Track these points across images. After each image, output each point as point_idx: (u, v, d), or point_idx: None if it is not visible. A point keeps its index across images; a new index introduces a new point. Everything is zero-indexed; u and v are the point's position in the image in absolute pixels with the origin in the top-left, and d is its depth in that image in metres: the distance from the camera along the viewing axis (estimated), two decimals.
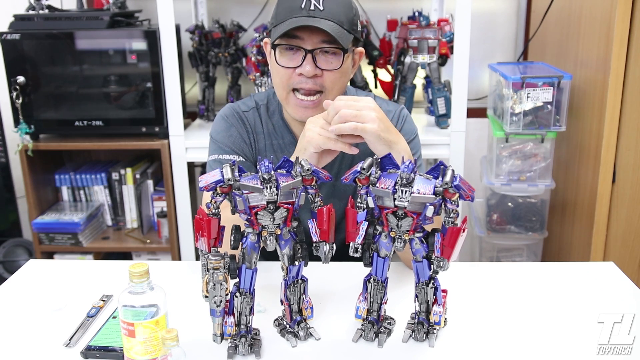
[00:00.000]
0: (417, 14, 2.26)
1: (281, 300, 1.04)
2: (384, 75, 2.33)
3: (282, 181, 0.93)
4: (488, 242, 2.28)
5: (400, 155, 1.11)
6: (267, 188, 0.92)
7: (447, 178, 0.91)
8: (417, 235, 0.96)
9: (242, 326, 0.99)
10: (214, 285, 0.93)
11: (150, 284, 0.91)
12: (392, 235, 0.96)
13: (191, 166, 2.28)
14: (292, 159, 1.12)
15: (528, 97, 1.98)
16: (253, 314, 1.00)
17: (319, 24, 1.19)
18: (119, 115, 2.20)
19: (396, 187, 0.92)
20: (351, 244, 0.98)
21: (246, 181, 0.93)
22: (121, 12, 2.21)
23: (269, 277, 1.15)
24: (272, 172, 0.93)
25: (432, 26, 2.11)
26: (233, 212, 0.96)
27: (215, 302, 0.94)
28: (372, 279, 1.01)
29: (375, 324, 1.03)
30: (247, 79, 2.22)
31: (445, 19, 2.20)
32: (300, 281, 1.03)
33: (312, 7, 1.20)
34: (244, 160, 1.36)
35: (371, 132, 1.13)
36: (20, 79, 2.11)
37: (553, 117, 2.00)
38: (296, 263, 1.00)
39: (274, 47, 1.26)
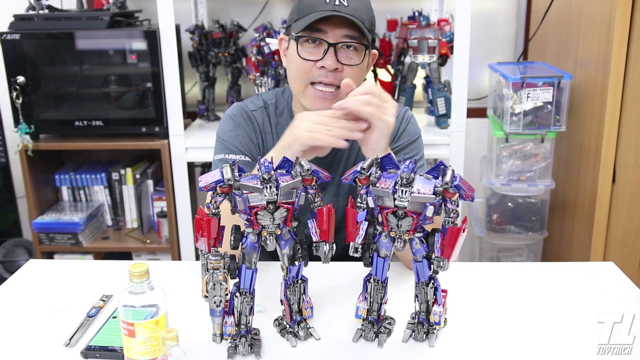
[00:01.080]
0: (417, 14, 2.26)
1: (281, 300, 1.04)
2: (384, 75, 2.33)
3: (282, 181, 0.93)
4: (488, 242, 2.28)
5: None
6: (267, 188, 0.92)
7: (447, 178, 0.91)
8: (417, 235, 0.96)
9: (242, 326, 0.99)
10: (214, 285, 0.93)
11: (150, 284, 0.91)
12: (392, 235, 0.96)
13: (191, 166, 2.28)
14: (273, 154, 1.11)
15: (528, 97, 1.98)
16: (253, 314, 1.00)
17: (346, 16, 1.20)
18: (119, 115, 2.20)
19: (396, 187, 0.92)
20: (351, 244, 0.97)
21: (246, 181, 0.93)
22: (121, 12, 2.21)
23: (269, 277, 1.15)
24: (272, 172, 0.93)
25: (432, 26, 2.11)
26: (233, 212, 0.96)
27: (215, 302, 0.94)
28: (372, 279, 1.01)
29: (375, 324, 1.03)
30: (247, 79, 2.22)
31: (445, 19, 2.20)
32: (300, 281, 1.03)
33: (337, 2, 1.21)
34: (250, 160, 1.35)
35: (387, 125, 1.13)
36: (20, 79, 2.11)
37: (553, 117, 2.00)
38: (296, 263, 1.00)
39: (296, 39, 1.26)
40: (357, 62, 1.26)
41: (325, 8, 1.21)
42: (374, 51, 1.35)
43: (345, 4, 1.21)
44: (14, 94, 2.12)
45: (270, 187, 0.92)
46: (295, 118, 1.19)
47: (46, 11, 2.18)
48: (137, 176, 2.38)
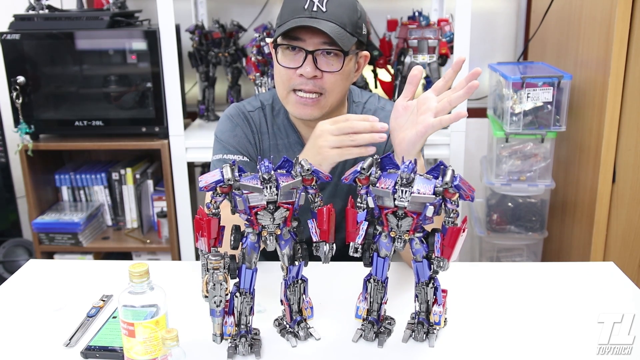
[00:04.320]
0: (417, 14, 2.26)
1: (281, 300, 1.04)
2: (384, 75, 2.33)
3: (282, 181, 0.93)
4: (488, 242, 2.28)
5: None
6: (267, 188, 0.92)
7: (447, 178, 0.91)
8: (417, 235, 0.96)
9: (242, 326, 0.99)
10: (214, 285, 0.93)
11: (150, 284, 0.91)
12: (392, 235, 0.96)
13: (191, 166, 2.28)
14: None
15: (528, 97, 1.98)
16: (253, 314, 1.00)
17: (319, 25, 1.19)
18: (119, 115, 2.20)
19: (396, 187, 0.92)
20: (351, 244, 0.98)
21: (246, 181, 0.93)
22: (121, 12, 2.21)
23: (269, 277, 1.15)
24: (272, 172, 0.93)
25: (432, 26, 2.11)
26: (233, 212, 0.96)
27: (215, 302, 0.94)
28: (372, 279, 1.01)
29: (375, 324, 1.03)
30: (247, 79, 2.22)
31: (445, 19, 2.20)
32: (300, 281, 1.03)
33: (314, 9, 1.20)
34: (248, 160, 1.35)
35: (426, 126, 1.11)
36: (20, 79, 2.11)
37: (553, 117, 2.00)
38: (296, 263, 1.00)
39: (275, 46, 1.26)
40: (338, 68, 1.24)
41: (302, 15, 1.20)
42: (365, 52, 1.34)
43: (324, 9, 1.19)
44: (14, 94, 2.12)
45: (270, 187, 0.92)
46: (313, 134, 1.19)
47: (46, 11, 2.18)
48: (137, 176, 2.38)
